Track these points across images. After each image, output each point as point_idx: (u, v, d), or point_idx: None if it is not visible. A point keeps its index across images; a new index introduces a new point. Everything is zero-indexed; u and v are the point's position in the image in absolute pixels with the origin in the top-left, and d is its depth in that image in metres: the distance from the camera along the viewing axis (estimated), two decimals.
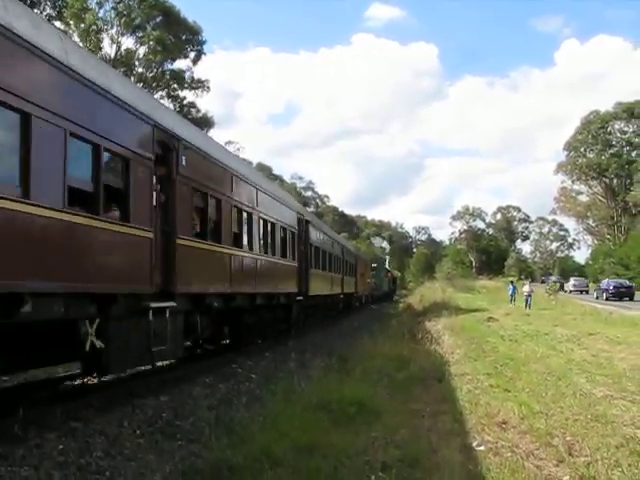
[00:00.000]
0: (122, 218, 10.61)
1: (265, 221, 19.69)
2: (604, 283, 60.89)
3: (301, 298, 25.33)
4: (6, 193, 7.63)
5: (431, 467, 7.53)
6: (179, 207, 12.64)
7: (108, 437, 8.85)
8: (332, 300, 36.68)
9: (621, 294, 55.32)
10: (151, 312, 11.40)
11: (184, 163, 12.94)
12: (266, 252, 19.70)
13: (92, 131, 9.64)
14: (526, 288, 44.92)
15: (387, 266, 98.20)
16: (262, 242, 19.34)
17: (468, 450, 8.40)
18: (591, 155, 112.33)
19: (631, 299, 54.60)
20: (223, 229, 15.42)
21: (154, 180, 11.75)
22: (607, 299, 53.98)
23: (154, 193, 11.76)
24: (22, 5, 8.99)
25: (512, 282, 52.89)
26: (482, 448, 8.44)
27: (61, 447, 8.10)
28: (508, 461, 7.76)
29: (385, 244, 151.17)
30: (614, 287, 57.27)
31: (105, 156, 10.09)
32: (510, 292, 47.65)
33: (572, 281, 77.13)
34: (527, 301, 42.93)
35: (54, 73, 8.86)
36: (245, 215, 17.57)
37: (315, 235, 29.36)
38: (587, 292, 68.42)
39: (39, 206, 8.22)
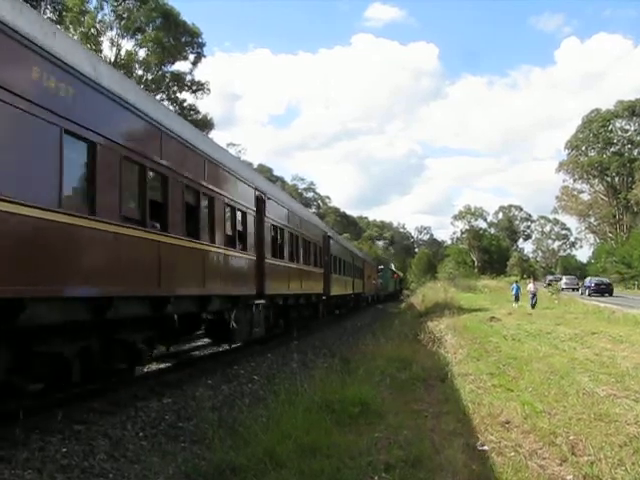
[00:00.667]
0: (242, 248, 17.33)
1: (305, 240, 27.04)
2: (587, 281, 69.29)
3: (325, 297, 31.92)
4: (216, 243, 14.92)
5: (434, 467, 7.51)
6: (265, 238, 19.64)
7: (111, 440, 8.87)
8: (344, 299, 43.04)
9: (602, 290, 63.41)
10: (253, 307, 18.59)
11: (268, 209, 20.01)
12: (306, 263, 26.89)
13: (235, 200, 16.68)
14: (530, 287, 44.70)
15: (393, 268, 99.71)
16: (304, 256, 26.58)
17: (471, 450, 8.38)
18: (592, 154, 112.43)
19: (610, 295, 62.01)
20: (285, 249, 22.90)
21: (254, 222, 18.54)
22: (590, 295, 61.11)
23: (254, 230, 18.53)
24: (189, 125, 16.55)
25: (516, 282, 53.11)
26: (485, 448, 8.43)
27: (64, 450, 8.11)
28: (511, 461, 7.75)
29: (391, 249, 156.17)
30: (595, 284, 65.66)
31: (238, 213, 17.22)
32: (514, 292, 47.51)
33: (564, 279, 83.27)
34: (532, 300, 42.73)
35: (232, 179, 16.73)
36: (295, 237, 25.00)
37: (334, 246, 36.07)
38: (577, 289, 72.66)
39: (215, 246, 14.92)
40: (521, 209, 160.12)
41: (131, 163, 10.86)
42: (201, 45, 58.17)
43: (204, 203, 14.43)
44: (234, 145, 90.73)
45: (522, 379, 13.62)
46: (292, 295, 24.11)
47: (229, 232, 16.26)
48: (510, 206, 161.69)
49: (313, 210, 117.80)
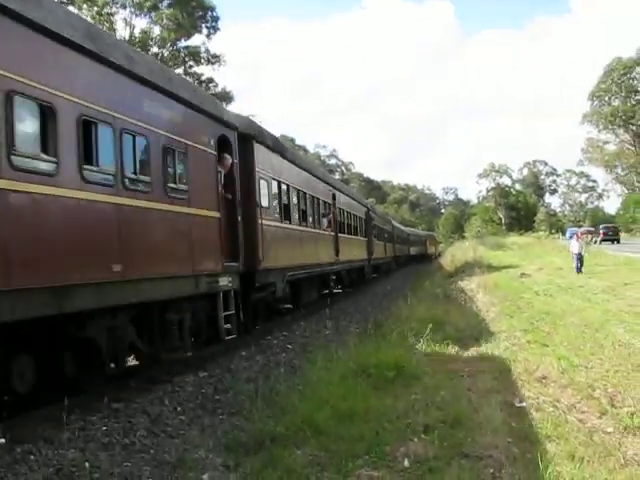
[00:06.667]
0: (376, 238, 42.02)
1: (395, 235, 53.08)
2: (599, 229, 77.91)
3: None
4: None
5: (473, 426, 7.50)
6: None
7: (150, 416, 8.92)
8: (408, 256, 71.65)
9: (611, 237, 71.70)
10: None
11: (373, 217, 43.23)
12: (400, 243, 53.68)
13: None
14: (575, 246, 31.80)
15: None
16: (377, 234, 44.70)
17: (509, 407, 8.38)
18: (616, 103, 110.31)
19: (618, 242, 69.98)
20: (395, 240, 54.60)
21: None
22: (601, 242, 67.39)
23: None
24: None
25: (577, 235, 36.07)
26: (523, 404, 8.41)
27: (105, 429, 8.17)
28: (550, 416, 7.74)
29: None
30: (604, 232, 73.93)
31: (370, 223, 39.29)
32: (575, 251, 31.54)
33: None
34: (577, 262, 30.69)
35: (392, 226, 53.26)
36: (397, 235, 55.09)
37: (397, 230, 56.91)
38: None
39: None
40: (546, 164, 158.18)
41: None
42: (215, 19, 58.07)
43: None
44: (254, 116, 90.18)
45: (556, 334, 13.56)
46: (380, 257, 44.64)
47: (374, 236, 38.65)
48: (535, 161, 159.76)
49: (337, 176, 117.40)
